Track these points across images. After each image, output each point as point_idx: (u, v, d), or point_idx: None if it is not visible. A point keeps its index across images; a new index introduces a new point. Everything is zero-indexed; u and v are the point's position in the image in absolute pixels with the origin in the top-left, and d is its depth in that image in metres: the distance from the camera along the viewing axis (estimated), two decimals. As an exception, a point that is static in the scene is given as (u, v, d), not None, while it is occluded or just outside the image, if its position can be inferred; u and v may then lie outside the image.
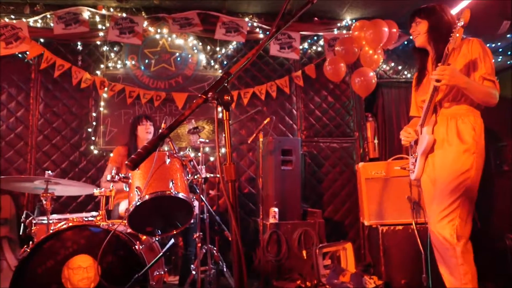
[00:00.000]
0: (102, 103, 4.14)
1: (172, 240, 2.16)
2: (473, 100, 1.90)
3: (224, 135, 1.11)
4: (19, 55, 4.04)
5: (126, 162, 0.96)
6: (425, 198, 2.11)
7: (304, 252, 3.27)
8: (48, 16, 4.07)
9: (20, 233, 2.73)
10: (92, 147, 4.08)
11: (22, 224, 2.54)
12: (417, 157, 2.09)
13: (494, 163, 3.70)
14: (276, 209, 3.38)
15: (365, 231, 3.89)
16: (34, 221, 2.47)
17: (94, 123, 4.12)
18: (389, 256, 3.00)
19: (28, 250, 2.05)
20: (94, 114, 4.13)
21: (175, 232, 2.37)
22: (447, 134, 1.94)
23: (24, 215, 2.56)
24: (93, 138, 4.09)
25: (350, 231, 4.43)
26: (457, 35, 1.77)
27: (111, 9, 4.19)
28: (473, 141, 1.87)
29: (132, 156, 0.96)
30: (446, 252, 1.84)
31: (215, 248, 2.93)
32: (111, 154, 3.38)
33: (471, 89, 1.84)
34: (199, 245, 2.66)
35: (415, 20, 2.10)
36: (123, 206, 2.95)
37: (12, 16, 4.03)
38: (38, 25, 4.09)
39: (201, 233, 2.68)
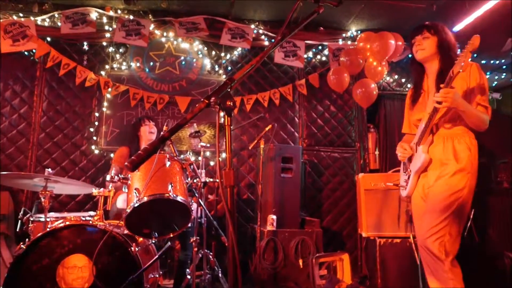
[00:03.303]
0: (105, 103, 4.16)
1: (169, 243, 2.15)
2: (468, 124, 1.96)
3: (225, 140, 1.11)
4: (26, 53, 4.07)
5: (126, 163, 0.96)
6: (414, 214, 2.12)
7: (300, 261, 3.25)
8: (56, 15, 4.11)
9: (17, 230, 2.73)
10: (93, 147, 4.08)
11: (19, 221, 2.54)
12: (411, 175, 2.09)
13: (494, 180, 3.69)
14: (274, 217, 3.37)
15: (363, 243, 3.87)
16: (31, 219, 2.46)
17: (96, 123, 4.13)
18: (386, 268, 2.98)
19: (24, 247, 2.05)
20: (96, 114, 4.15)
21: (172, 235, 2.36)
22: (443, 154, 1.95)
23: (22, 212, 2.56)
24: (94, 138, 4.10)
25: (347, 241, 4.40)
26: (464, 60, 1.76)
27: (119, 11, 4.23)
28: (468, 161, 1.90)
29: (132, 157, 0.96)
30: (438, 267, 1.86)
31: (211, 253, 2.92)
32: (112, 155, 3.39)
33: (467, 113, 1.88)
34: (196, 249, 2.65)
35: (423, 33, 2.07)
36: (120, 200, 2.94)
37: (21, 14, 4.07)
38: (46, 24, 4.13)
39: (198, 238, 2.67)
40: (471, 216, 3.11)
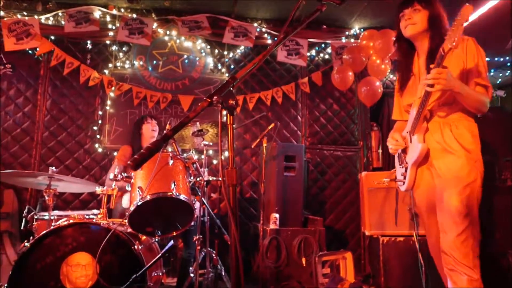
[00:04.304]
0: (108, 102, 4.17)
1: (172, 242, 2.16)
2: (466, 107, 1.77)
3: (227, 139, 1.11)
4: (29, 51, 4.09)
5: (128, 162, 0.96)
6: (423, 211, 1.95)
7: (303, 260, 3.25)
8: (60, 14, 4.13)
9: (21, 228, 2.75)
10: (96, 145, 4.10)
11: (24, 219, 2.56)
12: (408, 167, 1.91)
13: (498, 178, 3.67)
14: (277, 215, 3.37)
15: (366, 241, 3.87)
16: (35, 217, 2.48)
17: (99, 122, 4.15)
18: (389, 267, 2.97)
19: (28, 245, 2.06)
20: (100, 113, 4.16)
21: (175, 234, 2.37)
22: (444, 142, 1.77)
23: (26, 210, 2.58)
24: (98, 136, 4.12)
25: (351, 240, 4.40)
26: (456, 34, 1.52)
27: (122, 10, 4.24)
28: (473, 147, 1.74)
29: (135, 156, 0.96)
30: (463, 272, 1.66)
31: (214, 252, 2.93)
32: (115, 153, 3.40)
33: (464, 95, 1.68)
34: (199, 247, 2.65)
35: (414, 5, 1.84)
36: (126, 200, 2.96)
37: (25, 13, 4.08)
38: (50, 22, 4.15)
39: (201, 236, 2.68)
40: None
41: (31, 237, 2.18)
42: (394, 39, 2.03)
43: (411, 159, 1.88)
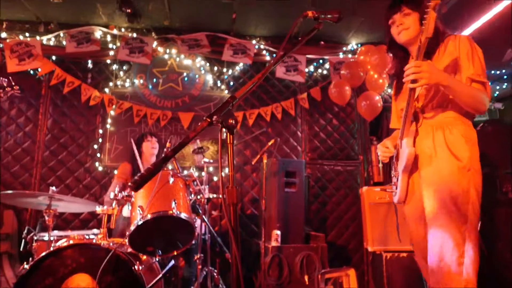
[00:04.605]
0: (109, 120, 4.20)
1: (172, 262, 2.14)
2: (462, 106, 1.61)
3: (227, 157, 1.11)
4: (31, 72, 4.13)
5: (129, 183, 0.97)
6: (412, 223, 1.74)
7: (306, 277, 3.20)
8: (61, 34, 4.19)
9: (21, 249, 2.72)
10: (96, 164, 4.10)
11: (23, 240, 2.53)
12: (399, 176, 1.75)
13: (499, 190, 3.66)
14: (279, 232, 3.34)
15: (369, 257, 3.82)
16: (35, 237, 2.46)
17: (100, 140, 4.16)
18: (393, 283, 2.93)
19: (27, 267, 2.04)
20: (100, 131, 4.18)
21: (176, 253, 2.35)
22: (434, 149, 1.61)
23: (25, 231, 2.55)
24: (98, 155, 4.12)
25: (353, 256, 4.35)
26: (431, 22, 1.42)
27: (122, 29, 4.31)
28: (466, 154, 1.55)
29: (135, 177, 0.96)
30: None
31: (215, 271, 2.89)
32: (115, 172, 3.40)
33: (455, 89, 1.52)
34: (200, 266, 2.62)
35: (402, 10, 1.71)
36: (126, 209, 2.93)
37: (27, 34, 4.15)
38: (51, 43, 4.21)
39: (202, 255, 2.65)
40: (478, 228, 3.07)
41: (31, 259, 2.15)
42: (387, 47, 1.92)
43: (401, 166, 1.72)
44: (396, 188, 1.80)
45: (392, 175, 1.88)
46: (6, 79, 2.25)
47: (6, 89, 2.21)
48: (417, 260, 1.82)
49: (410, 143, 1.67)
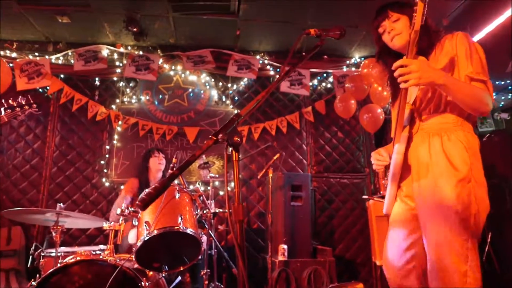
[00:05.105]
0: (116, 136, 4.25)
1: (179, 278, 2.13)
2: (462, 109, 1.47)
3: (233, 173, 1.13)
4: (40, 90, 4.22)
5: (137, 202, 0.98)
6: (393, 241, 1.64)
7: (313, 292, 3.17)
8: (70, 53, 4.29)
9: (28, 265, 2.73)
10: (103, 180, 4.13)
11: (31, 256, 2.54)
12: (388, 185, 1.63)
13: (509, 202, 3.61)
14: (285, 246, 3.32)
15: (378, 271, 3.76)
16: (42, 254, 2.47)
17: (107, 156, 4.20)
18: (403, 298, 2.88)
19: (35, 285, 2.04)
20: (107, 147, 4.23)
21: (182, 269, 2.34)
22: (430, 158, 1.47)
23: (33, 247, 2.57)
24: (105, 170, 4.16)
25: (362, 270, 4.29)
26: (420, 14, 1.35)
27: (129, 47, 4.40)
28: (466, 165, 1.40)
29: (142, 196, 0.98)
30: None
31: (222, 286, 2.87)
32: (122, 187, 3.42)
33: (452, 88, 1.38)
34: (206, 282, 2.61)
35: (389, 15, 1.62)
36: (132, 235, 2.93)
37: (36, 54, 4.25)
38: (60, 62, 4.31)
39: (208, 270, 2.64)
40: (489, 240, 3.01)
41: (38, 275, 2.16)
42: (377, 56, 1.82)
43: (390, 175, 1.59)
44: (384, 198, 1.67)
45: (385, 185, 1.76)
46: (24, 98, 2.30)
47: (24, 107, 2.26)
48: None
49: (401, 150, 1.53)
